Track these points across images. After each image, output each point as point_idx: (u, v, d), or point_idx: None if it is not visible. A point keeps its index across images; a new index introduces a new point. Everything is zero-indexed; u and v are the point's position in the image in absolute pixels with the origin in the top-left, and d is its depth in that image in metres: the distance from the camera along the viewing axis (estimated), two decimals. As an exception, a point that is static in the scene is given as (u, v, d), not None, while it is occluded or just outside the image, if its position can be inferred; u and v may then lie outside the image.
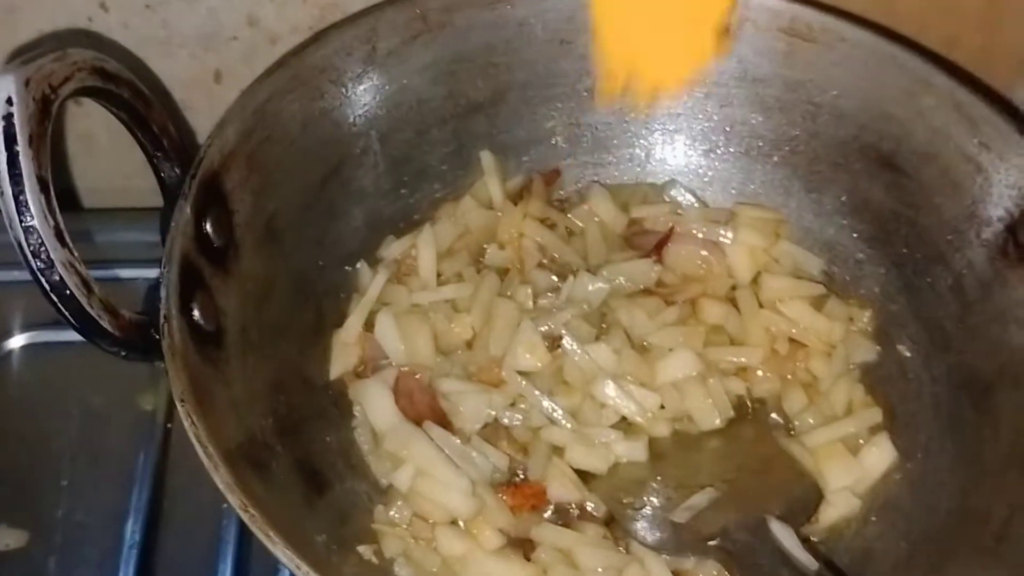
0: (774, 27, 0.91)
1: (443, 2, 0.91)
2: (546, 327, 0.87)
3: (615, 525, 0.81)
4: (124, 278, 0.96)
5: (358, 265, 0.92)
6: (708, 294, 0.93)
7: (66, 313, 0.66)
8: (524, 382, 0.85)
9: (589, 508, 0.82)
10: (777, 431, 0.87)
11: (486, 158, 0.97)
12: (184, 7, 0.95)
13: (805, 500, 0.82)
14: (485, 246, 0.95)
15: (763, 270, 0.95)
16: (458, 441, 0.82)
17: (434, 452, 0.80)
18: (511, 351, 0.86)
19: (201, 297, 0.74)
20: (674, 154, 1.00)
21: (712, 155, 0.99)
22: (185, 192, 0.75)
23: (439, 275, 0.92)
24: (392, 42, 0.90)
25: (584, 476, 0.83)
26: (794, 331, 0.91)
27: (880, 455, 0.85)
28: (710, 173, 0.99)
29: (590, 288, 0.91)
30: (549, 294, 0.91)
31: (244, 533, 0.84)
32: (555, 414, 0.84)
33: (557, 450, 0.83)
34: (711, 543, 0.78)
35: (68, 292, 0.65)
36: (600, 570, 0.78)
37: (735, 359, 0.90)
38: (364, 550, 0.78)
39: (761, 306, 0.92)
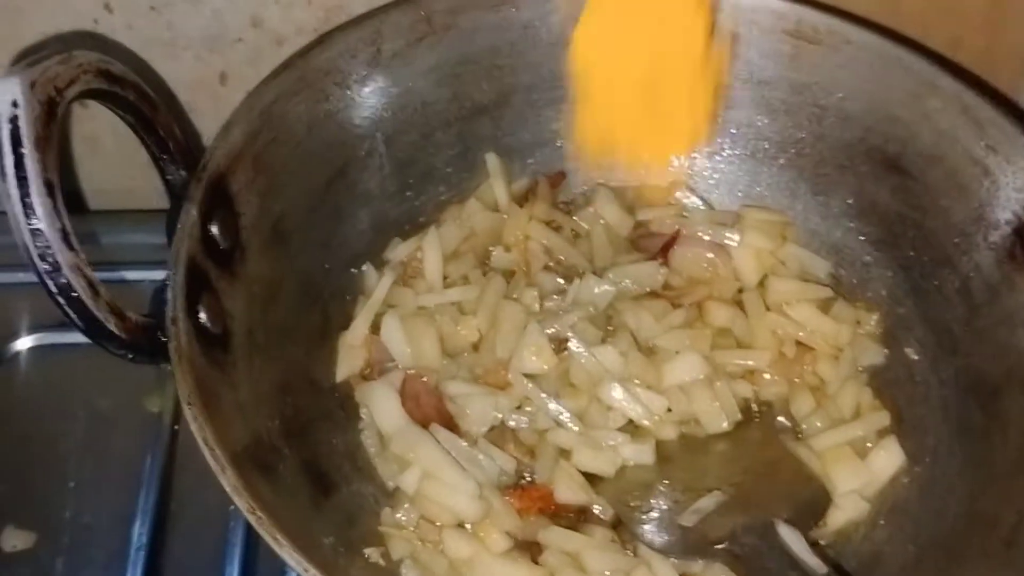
0: (779, 29, 0.91)
1: (448, 4, 0.91)
2: (552, 330, 0.87)
3: (622, 528, 0.81)
4: (130, 280, 0.96)
5: (364, 267, 0.92)
6: (714, 297, 0.93)
7: (72, 315, 0.66)
8: (530, 385, 0.84)
9: (596, 511, 0.82)
10: (784, 434, 0.87)
11: (491, 160, 0.97)
12: (189, 9, 0.95)
13: (813, 504, 0.82)
14: (491, 248, 0.95)
15: (770, 273, 0.95)
16: (465, 444, 0.82)
17: (441, 455, 0.80)
18: (517, 354, 0.85)
19: (207, 299, 0.74)
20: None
21: (718, 157, 0.99)
22: (191, 194, 0.75)
23: (445, 277, 0.92)
24: (397, 44, 0.90)
25: (591, 479, 0.83)
26: (801, 334, 0.91)
27: (888, 459, 0.85)
28: (716, 176, 0.99)
29: (596, 291, 0.90)
30: (555, 296, 0.91)
31: (251, 535, 0.84)
32: (562, 417, 0.84)
33: (564, 453, 0.83)
34: (719, 547, 0.78)
35: (74, 294, 0.65)
36: (608, 573, 0.78)
37: (742, 362, 0.89)
38: (371, 552, 0.78)
39: (768, 309, 0.92)
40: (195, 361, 0.70)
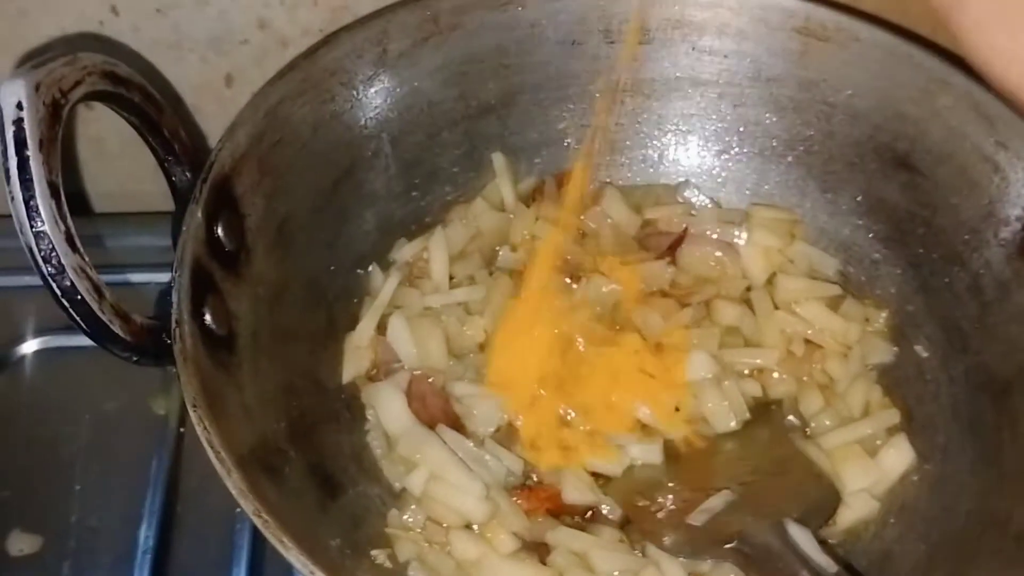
0: (788, 27, 0.91)
1: (454, 4, 0.90)
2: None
3: (631, 528, 0.81)
4: (135, 283, 0.96)
5: (370, 268, 0.92)
6: (723, 295, 0.92)
7: (77, 318, 0.66)
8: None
9: (604, 511, 0.82)
10: (793, 433, 0.87)
11: (498, 160, 0.97)
12: (194, 11, 0.95)
13: (822, 502, 0.82)
14: (497, 248, 0.94)
15: (778, 271, 0.94)
16: (471, 444, 0.82)
17: (447, 456, 0.80)
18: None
19: (213, 301, 0.74)
20: (687, 155, 0.99)
21: (726, 155, 0.98)
22: (196, 196, 0.75)
23: (451, 278, 0.91)
24: (403, 44, 0.89)
25: (599, 479, 0.83)
26: (810, 332, 0.91)
27: (898, 457, 0.84)
28: (724, 174, 0.99)
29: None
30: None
31: (258, 537, 0.84)
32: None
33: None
34: (728, 546, 0.78)
35: (79, 297, 0.65)
36: (616, 574, 0.78)
37: (750, 361, 0.89)
38: (378, 554, 0.78)
39: (776, 307, 0.92)
40: (200, 363, 0.70)
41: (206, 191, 0.76)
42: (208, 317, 0.73)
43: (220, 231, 0.77)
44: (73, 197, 0.65)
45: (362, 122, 0.90)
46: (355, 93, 0.89)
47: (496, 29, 0.92)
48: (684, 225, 0.96)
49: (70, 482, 0.88)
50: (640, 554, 0.79)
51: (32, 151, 0.63)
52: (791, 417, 0.88)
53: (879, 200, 0.93)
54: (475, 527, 0.79)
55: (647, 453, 0.83)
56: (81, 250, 0.65)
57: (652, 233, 0.97)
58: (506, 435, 0.84)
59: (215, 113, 1.01)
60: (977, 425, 0.83)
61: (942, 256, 0.89)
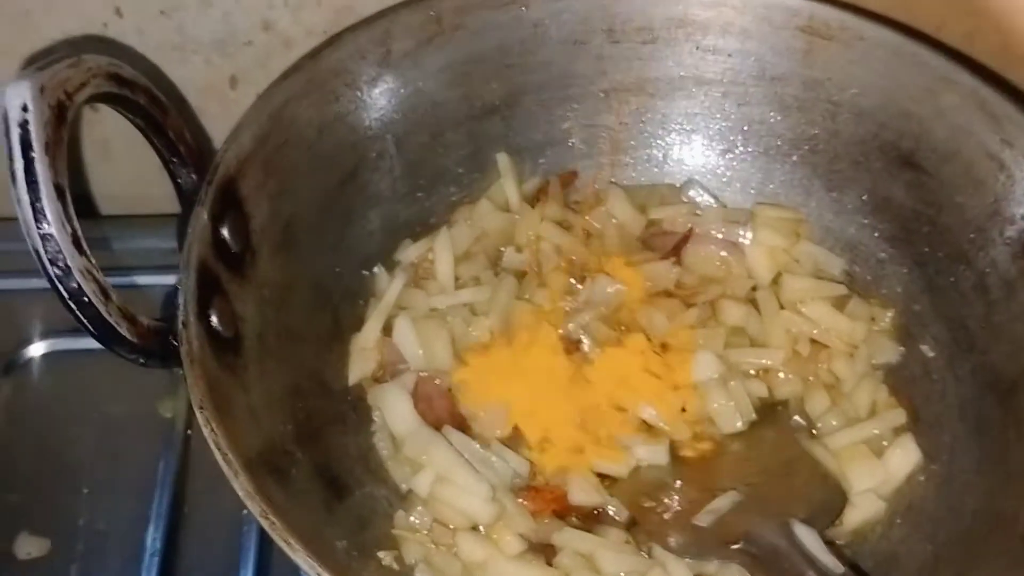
0: (792, 25, 0.91)
1: (457, 4, 0.90)
2: (565, 330, 0.87)
3: (637, 529, 0.81)
4: (142, 285, 0.96)
5: (375, 269, 0.92)
6: (728, 295, 0.92)
7: (84, 320, 0.66)
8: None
9: (611, 512, 0.81)
10: (800, 433, 0.87)
11: (502, 160, 0.97)
12: (199, 13, 0.94)
13: (829, 503, 0.82)
14: (502, 249, 0.94)
15: (783, 270, 0.94)
16: (478, 446, 0.82)
17: (454, 457, 0.80)
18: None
19: (219, 303, 0.74)
20: (692, 154, 0.99)
21: (730, 155, 0.98)
22: (202, 198, 0.75)
23: (456, 279, 0.91)
24: (407, 45, 0.89)
25: (605, 480, 0.83)
26: (816, 332, 0.91)
27: (904, 457, 0.84)
28: (728, 173, 0.99)
29: (609, 290, 0.90)
30: (567, 297, 0.90)
31: (265, 539, 0.84)
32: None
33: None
34: (734, 547, 0.78)
35: (86, 299, 0.65)
36: (622, 575, 0.78)
37: (756, 361, 0.89)
38: (384, 556, 0.78)
39: (782, 307, 0.92)
40: (207, 365, 0.70)
41: (211, 193, 0.76)
42: (214, 319, 0.73)
43: (226, 233, 0.77)
44: (79, 200, 0.65)
45: (366, 123, 0.90)
46: (359, 94, 0.89)
47: (499, 29, 0.92)
48: (689, 225, 0.96)
49: (78, 485, 0.88)
50: (646, 555, 0.79)
51: (38, 153, 0.63)
52: (797, 417, 0.88)
53: (884, 199, 0.92)
54: (481, 528, 0.79)
55: (653, 454, 0.83)
56: (87, 252, 0.65)
57: (657, 233, 0.97)
58: (512, 436, 0.84)
59: (219, 115, 1.01)
60: (984, 425, 0.83)
61: (948, 255, 0.89)
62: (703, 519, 0.79)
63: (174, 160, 0.79)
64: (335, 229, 0.89)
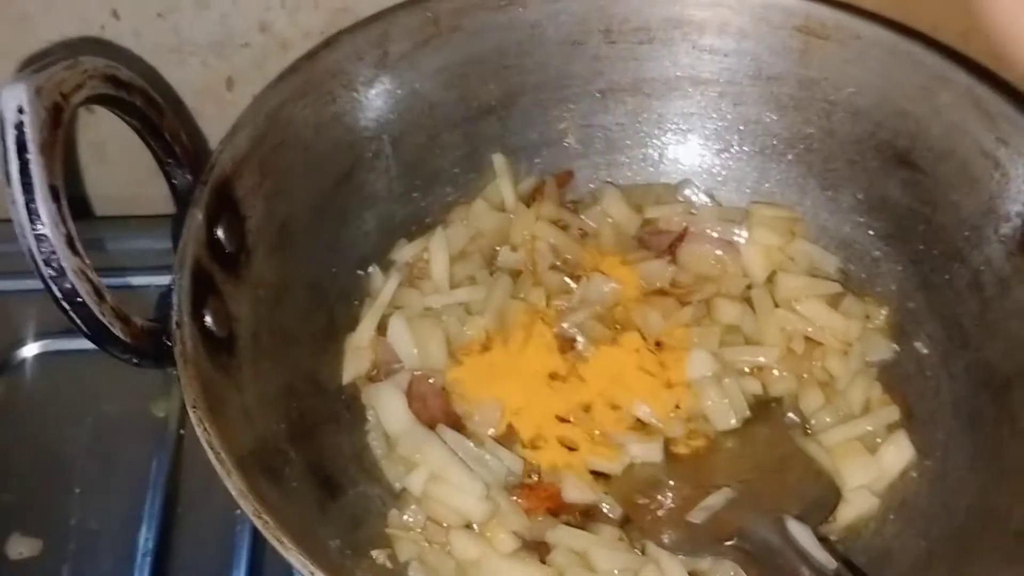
0: (788, 25, 0.91)
1: (454, 5, 0.90)
2: (560, 328, 0.87)
3: (631, 526, 0.81)
4: (136, 286, 0.96)
5: (370, 269, 0.92)
6: (723, 294, 0.92)
7: (78, 321, 0.66)
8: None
9: (604, 509, 0.82)
10: (794, 430, 0.87)
11: (498, 160, 0.97)
12: (195, 15, 0.95)
13: (823, 499, 0.82)
14: (497, 248, 0.94)
15: (778, 269, 0.94)
16: (472, 444, 0.82)
17: (448, 456, 0.80)
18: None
19: (213, 303, 0.74)
20: (687, 154, 0.99)
21: (726, 154, 0.98)
22: (197, 198, 0.75)
23: (451, 278, 0.91)
24: (404, 46, 0.90)
25: (599, 477, 0.83)
26: (810, 330, 0.91)
27: (898, 453, 0.84)
28: (724, 172, 0.99)
29: (604, 289, 0.90)
30: (562, 295, 0.91)
31: (258, 539, 0.84)
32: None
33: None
34: (728, 543, 0.78)
35: (80, 300, 0.65)
36: (616, 572, 0.78)
37: (751, 358, 0.89)
38: (378, 554, 0.78)
39: (777, 305, 0.92)
40: (201, 365, 0.70)
41: (207, 193, 0.76)
42: (208, 319, 0.73)
43: (221, 233, 0.77)
44: (74, 201, 0.65)
45: (363, 124, 0.90)
46: (356, 95, 0.89)
47: (496, 30, 0.92)
48: (684, 224, 0.96)
49: (70, 485, 0.88)
50: (640, 552, 0.79)
51: (33, 154, 0.63)
52: (791, 414, 0.88)
53: (880, 197, 0.93)
54: (475, 527, 0.80)
55: (647, 451, 0.83)
56: (82, 253, 0.65)
57: (652, 232, 0.97)
58: (506, 434, 0.84)
59: (216, 116, 1.01)
60: (977, 421, 0.83)
61: (943, 253, 0.89)
62: (697, 516, 0.80)
63: (170, 161, 0.79)
64: (331, 229, 0.89)
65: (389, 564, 0.78)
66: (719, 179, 0.99)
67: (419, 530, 0.80)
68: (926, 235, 0.90)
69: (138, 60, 0.97)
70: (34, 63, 0.67)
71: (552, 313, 0.89)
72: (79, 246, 0.65)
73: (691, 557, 0.79)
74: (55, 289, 0.65)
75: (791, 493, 0.81)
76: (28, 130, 0.63)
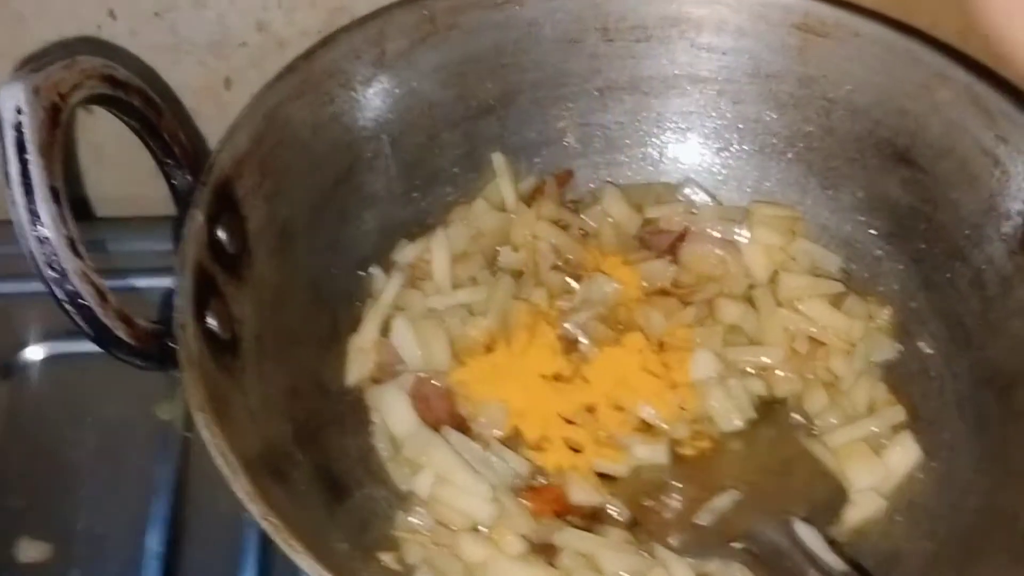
0: (787, 23, 0.91)
1: (451, 3, 0.90)
2: (562, 329, 0.87)
3: (638, 529, 0.81)
4: (138, 287, 0.95)
5: (372, 270, 0.91)
6: (725, 294, 0.92)
7: (81, 323, 0.66)
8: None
9: (611, 512, 0.81)
10: (799, 431, 0.86)
11: (498, 160, 0.96)
12: (192, 14, 0.94)
13: (829, 501, 0.82)
14: (498, 249, 0.94)
15: (780, 268, 0.94)
16: (477, 446, 0.81)
17: (454, 458, 0.80)
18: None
19: (216, 305, 0.74)
20: (687, 152, 0.99)
21: (726, 153, 0.98)
22: (197, 199, 0.75)
23: (453, 279, 0.91)
24: (401, 44, 0.89)
25: (605, 479, 0.82)
26: (813, 330, 0.90)
27: (904, 454, 0.84)
28: (724, 171, 0.99)
29: (605, 289, 0.90)
30: (564, 296, 0.90)
31: (265, 542, 0.83)
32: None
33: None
34: (735, 545, 0.78)
35: (83, 302, 0.65)
36: (623, 574, 0.78)
37: (754, 359, 0.89)
38: (385, 557, 0.78)
39: (779, 305, 0.91)
40: (205, 367, 0.70)
41: (207, 194, 0.75)
42: (211, 320, 0.73)
43: (221, 234, 0.76)
44: (75, 202, 0.65)
45: (361, 123, 0.90)
46: (354, 94, 0.88)
47: (494, 28, 0.92)
48: (685, 224, 0.96)
49: (77, 489, 0.88)
50: (647, 555, 0.79)
51: (32, 155, 0.63)
52: (796, 415, 0.87)
53: (880, 196, 0.93)
54: (482, 529, 0.79)
55: (653, 453, 0.83)
56: (84, 255, 0.65)
57: (653, 232, 0.97)
58: (511, 437, 0.84)
59: (214, 116, 1.01)
60: (982, 421, 0.83)
61: (944, 251, 0.89)
62: (704, 518, 0.79)
63: (169, 162, 0.78)
64: (331, 230, 0.89)
65: (397, 567, 0.78)
66: (719, 178, 0.99)
67: (426, 532, 0.79)
68: (927, 234, 0.90)
69: (135, 60, 0.96)
70: (31, 63, 0.66)
71: (554, 314, 0.89)
72: (81, 248, 0.65)
73: (699, 559, 0.78)
74: (58, 291, 0.64)
75: (797, 495, 0.81)
76: (27, 131, 0.63)
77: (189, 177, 0.78)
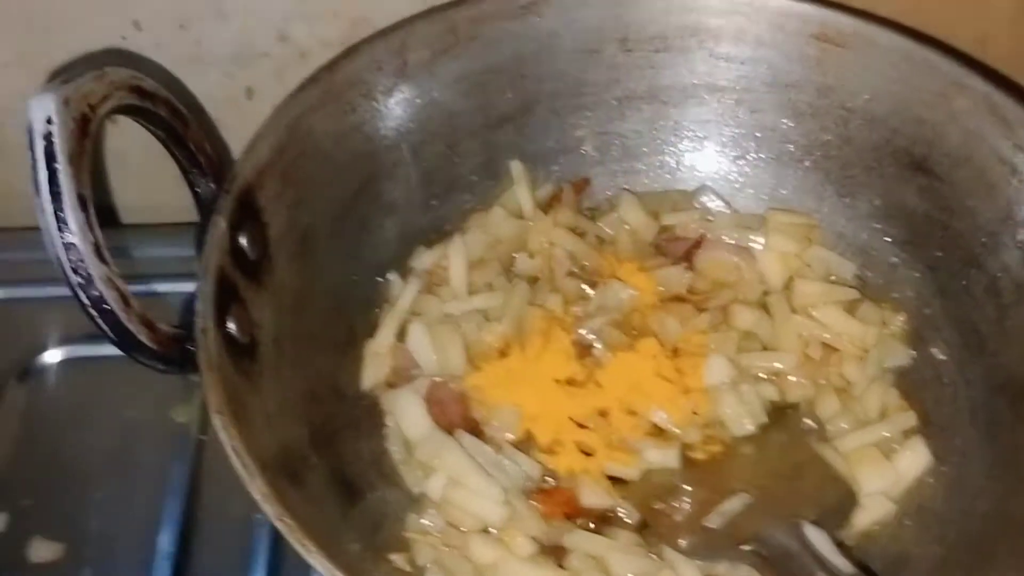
0: (805, 32, 0.91)
1: (472, 14, 0.91)
2: (577, 335, 0.88)
3: (648, 531, 0.81)
4: (161, 292, 0.97)
5: (389, 276, 0.93)
6: (740, 300, 0.93)
7: (105, 327, 0.67)
8: (556, 390, 0.85)
9: (621, 514, 0.82)
10: (810, 436, 0.86)
11: (516, 168, 0.97)
12: (216, 25, 0.96)
13: (839, 505, 0.82)
14: (515, 255, 0.95)
15: (795, 275, 0.94)
16: (490, 449, 0.82)
17: (466, 461, 0.81)
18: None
19: (236, 310, 0.75)
20: (704, 161, 0.99)
21: (743, 161, 0.99)
22: (220, 207, 0.76)
23: (469, 285, 0.92)
24: (422, 55, 0.90)
25: (616, 482, 0.83)
26: (827, 336, 0.91)
27: (915, 459, 0.84)
28: (741, 179, 0.99)
29: (621, 295, 0.91)
30: (580, 302, 0.91)
31: (276, 544, 0.84)
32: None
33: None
34: (745, 548, 0.78)
35: (107, 306, 0.66)
36: (631, 576, 0.79)
37: (768, 364, 0.89)
38: (397, 558, 0.78)
39: (793, 311, 0.92)
40: (224, 371, 0.71)
41: (230, 202, 0.77)
42: (231, 325, 0.74)
43: (243, 241, 0.78)
44: (100, 209, 0.66)
45: (383, 133, 0.91)
46: (375, 104, 0.90)
47: (514, 39, 0.93)
48: (701, 231, 0.97)
49: (91, 490, 0.88)
50: (657, 557, 0.79)
51: (62, 164, 0.64)
52: (808, 420, 0.87)
53: (897, 204, 0.93)
54: (493, 531, 0.80)
55: (664, 457, 0.83)
56: (109, 261, 0.66)
57: (669, 238, 0.97)
58: (524, 440, 0.84)
59: (236, 126, 1.02)
60: (994, 428, 0.83)
61: (960, 259, 0.89)
62: (713, 521, 0.80)
63: (194, 170, 0.79)
64: (351, 237, 0.90)
65: (408, 568, 0.78)
66: (736, 186, 0.99)
67: (437, 534, 0.80)
68: (943, 241, 0.90)
69: (160, 70, 0.98)
70: (60, 74, 0.68)
71: (569, 319, 0.90)
72: (106, 254, 0.66)
73: (708, 562, 0.79)
74: (83, 296, 0.65)
75: (807, 498, 0.81)
76: (57, 140, 0.64)
77: (213, 185, 0.80)
